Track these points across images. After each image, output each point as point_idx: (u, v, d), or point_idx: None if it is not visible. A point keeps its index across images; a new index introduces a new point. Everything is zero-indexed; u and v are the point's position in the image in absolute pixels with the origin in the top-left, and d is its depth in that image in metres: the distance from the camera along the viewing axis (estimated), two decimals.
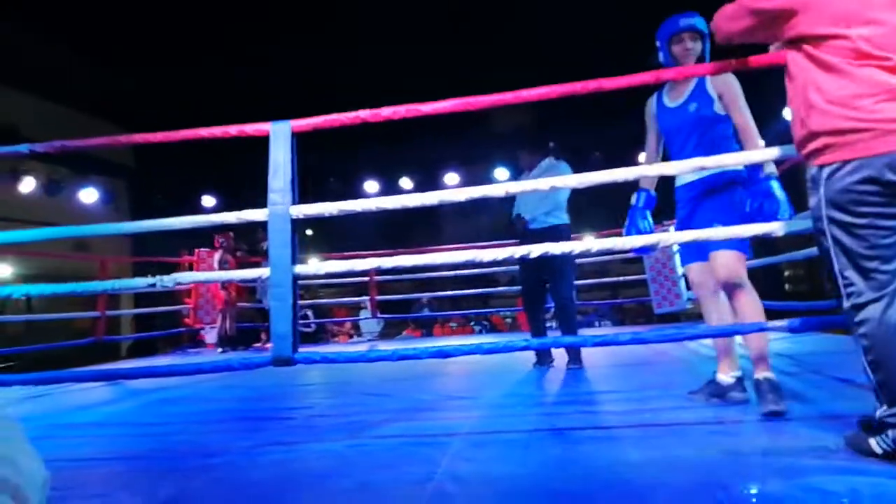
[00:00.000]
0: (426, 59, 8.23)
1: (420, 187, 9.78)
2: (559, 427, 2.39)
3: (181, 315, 7.96)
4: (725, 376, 2.55)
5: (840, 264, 1.65)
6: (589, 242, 2.25)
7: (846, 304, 1.66)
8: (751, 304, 2.35)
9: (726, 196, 2.42)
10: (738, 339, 2.56)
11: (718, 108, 2.46)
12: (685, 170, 2.22)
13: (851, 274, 1.64)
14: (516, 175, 4.82)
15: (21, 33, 8.89)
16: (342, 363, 2.23)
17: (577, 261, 7.20)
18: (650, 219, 2.56)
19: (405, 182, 10.05)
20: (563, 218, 4.10)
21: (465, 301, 11.52)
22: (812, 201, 1.70)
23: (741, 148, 2.41)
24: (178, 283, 2.40)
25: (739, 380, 2.56)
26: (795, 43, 1.73)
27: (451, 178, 9.82)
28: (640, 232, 2.48)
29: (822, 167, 1.66)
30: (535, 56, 8.21)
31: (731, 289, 2.38)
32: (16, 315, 7.85)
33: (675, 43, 2.49)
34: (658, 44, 2.54)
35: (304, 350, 2.30)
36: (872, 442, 1.67)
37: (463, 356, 2.19)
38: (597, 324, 9.16)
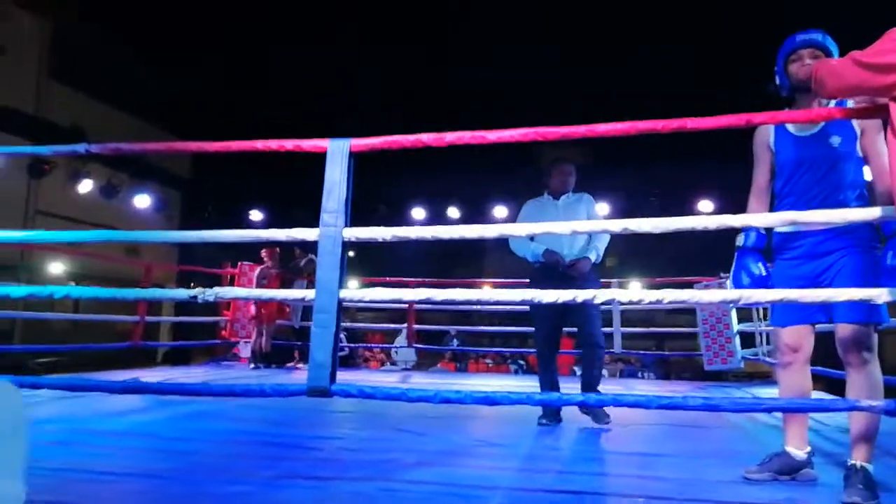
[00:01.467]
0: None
1: (467, 218, 9.68)
2: (607, 491, 2.17)
3: (218, 327, 7.96)
4: (798, 451, 2.28)
5: None
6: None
7: None
8: (874, 383, 2.08)
9: (868, 258, 2.13)
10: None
11: (859, 146, 2.18)
12: (816, 220, 1.96)
13: None
14: (531, 192, 3.90)
15: (101, 41, 9.26)
16: (380, 399, 2.07)
17: (622, 308, 6.96)
18: (762, 263, 2.22)
19: (452, 211, 9.97)
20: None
21: (500, 337, 11.28)
22: None
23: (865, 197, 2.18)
24: (219, 297, 2.31)
25: (811, 455, 2.30)
26: None
27: (500, 211, 9.69)
28: (752, 277, 2.17)
29: None
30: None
31: (857, 363, 2.11)
32: (62, 314, 8.02)
33: (792, 62, 2.22)
34: (776, 68, 2.28)
35: (342, 382, 2.15)
36: None
37: (510, 404, 2.01)
38: (640, 375, 8.79)
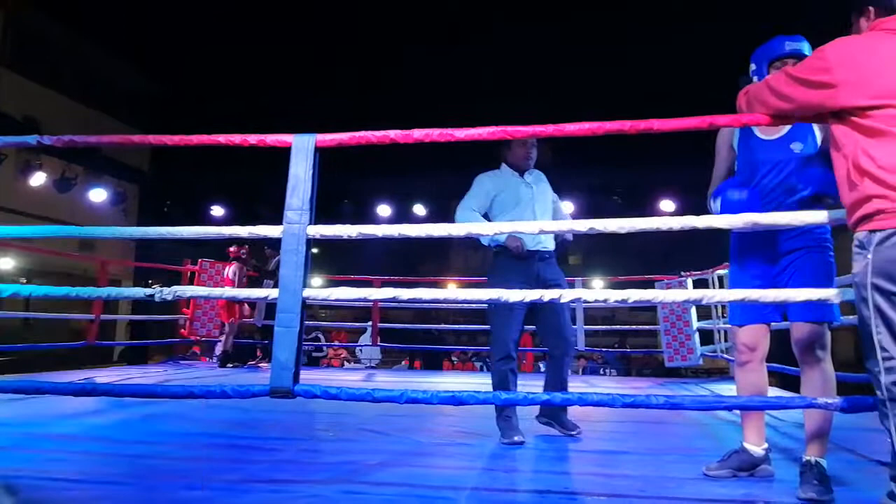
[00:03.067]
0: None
1: (432, 215, 9.66)
2: (572, 490, 2.18)
3: (177, 325, 7.77)
4: (756, 447, 2.34)
5: (879, 335, 1.56)
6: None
7: (884, 378, 1.56)
8: (828, 379, 2.15)
9: (823, 258, 2.20)
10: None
11: (821, 150, 2.22)
12: (775, 223, 2.00)
13: (891, 346, 1.54)
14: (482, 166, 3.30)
15: (58, 31, 8.90)
16: (345, 399, 2.04)
17: (585, 306, 7.04)
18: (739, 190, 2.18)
19: (418, 208, 9.94)
20: None
21: (466, 334, 11.31)
22: (857, 266, 1.63)
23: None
24: (178, 296, 2.24)
25: (768, 451, 2.36)
26: (839, 115, 1.69)
27: None
28: (735, 198, 2.11)
29: (872, 232, 1.59)
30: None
31: (812, 361, 2.18)
32: (13, 312, 7.72)
33: (776, 68, 2.23)
34: (753, 65, 2.30)
35: (305, 382, 2.11)
36: None
37: (476, 404, 2.00)
38: (602, 371, 8.93)
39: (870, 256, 1.58)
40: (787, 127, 2.25)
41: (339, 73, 8.67)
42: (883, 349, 1.56)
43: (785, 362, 3.91)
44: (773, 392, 4.88)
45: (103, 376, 5.58)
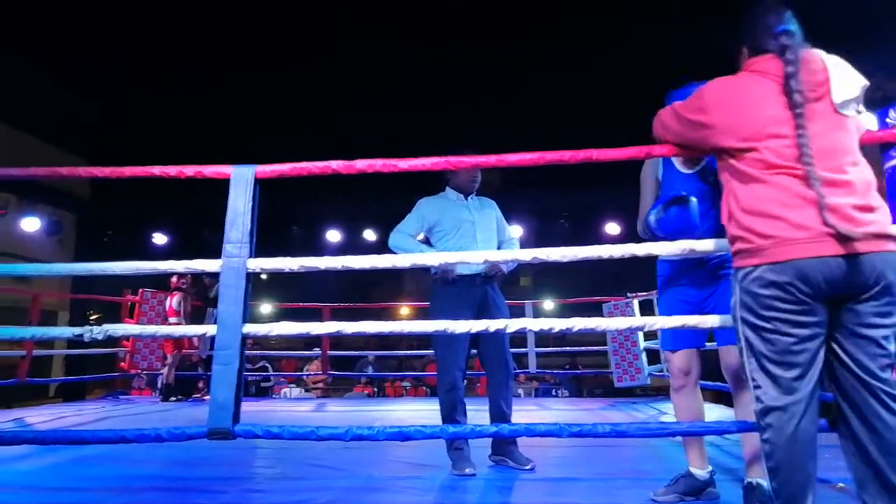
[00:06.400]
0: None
1: (383, 240, 9.59)
2: None
3: (117, 358, 7.44)
4: (701, 471, 2.38)
5: (750, 365, 1.63)
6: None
7: (755, 405, 1.63)
8: None
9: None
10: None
11: None
12: (708, 250, 2.06)
13: (759, 376, 1.61)
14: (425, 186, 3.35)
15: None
16: (287, 439, 1.97)
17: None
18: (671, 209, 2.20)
19: (369, 234, 9.86)
20: None
21: (416, 359, 11.23)
22: (731, 300, 1.70)
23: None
24: (109, 335, 2.13)
25: (712, 474, 2.41)
26: (719, 154, 1.76)
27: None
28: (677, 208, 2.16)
29: (738, 269, 1.67)
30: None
31: (742, 384, 2.23)
32: None
33: None
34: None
35: (249, 417, 2.04)
36: None
37: (423, 439, 1.97)
38: (554, 393, 8.98)
39: (737, 290, 1.65)
40: (703, 160, 2.34)
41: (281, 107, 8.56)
42: (753, 379, 1.62)
43: (721, 379, 4.03)
44: (719, 409, 5.02)
45: (34, 416, 5.28)
